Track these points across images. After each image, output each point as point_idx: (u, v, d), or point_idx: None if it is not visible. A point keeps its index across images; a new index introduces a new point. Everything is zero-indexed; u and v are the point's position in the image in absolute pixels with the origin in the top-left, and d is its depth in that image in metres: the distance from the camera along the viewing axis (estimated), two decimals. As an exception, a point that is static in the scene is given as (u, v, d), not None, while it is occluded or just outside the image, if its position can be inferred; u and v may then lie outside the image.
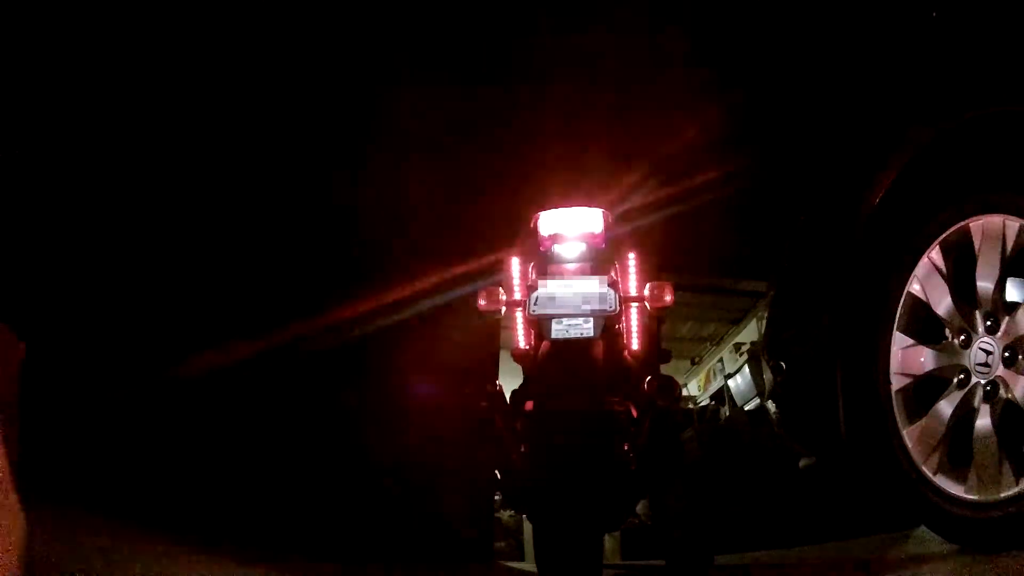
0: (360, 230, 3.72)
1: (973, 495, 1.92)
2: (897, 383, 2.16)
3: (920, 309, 2.14)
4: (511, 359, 3.07)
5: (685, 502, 3.44)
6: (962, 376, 2.00)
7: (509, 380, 3.07)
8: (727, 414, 8.36)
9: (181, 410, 3.05)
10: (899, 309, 2.18)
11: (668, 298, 2.70)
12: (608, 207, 2.75)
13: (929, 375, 2.10)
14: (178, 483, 2.87)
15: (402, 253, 3.85)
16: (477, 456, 3.01)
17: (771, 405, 2.76)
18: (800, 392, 2.60)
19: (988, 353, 1.94)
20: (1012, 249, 1.91)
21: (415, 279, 3.69)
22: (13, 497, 1.07)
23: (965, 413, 1.97)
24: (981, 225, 1.98)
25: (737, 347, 9.17)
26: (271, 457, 3.29)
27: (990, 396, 1.91)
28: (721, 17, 4.09)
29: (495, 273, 2.93)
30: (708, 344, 10.21)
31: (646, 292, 2.72)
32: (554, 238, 2.68)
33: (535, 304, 2.54)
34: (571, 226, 2.68)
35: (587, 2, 4.11)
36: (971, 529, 1.93)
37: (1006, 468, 1.84)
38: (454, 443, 3.44)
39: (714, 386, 10.06)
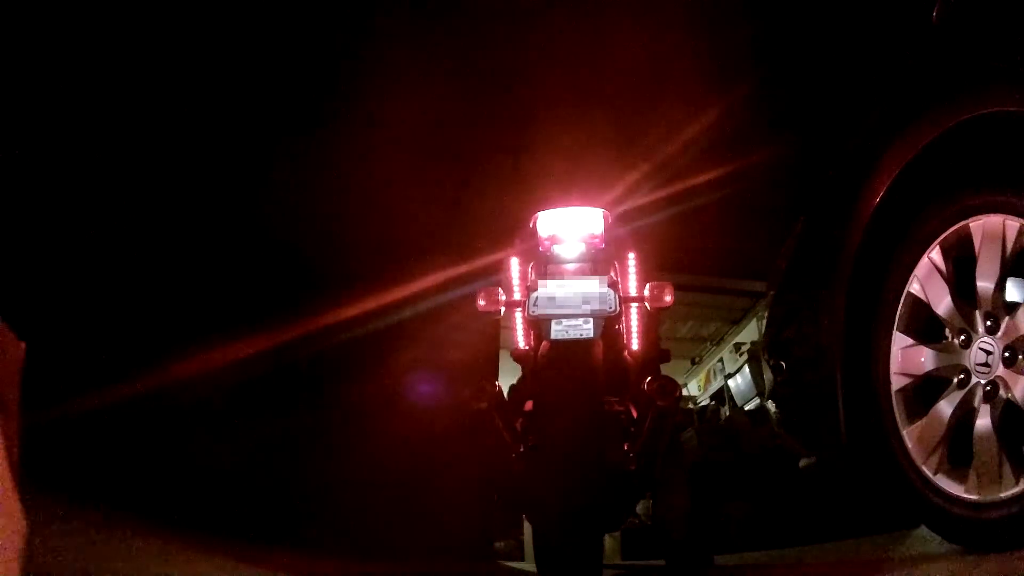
0: (360, 231, 3.72)
1: (973, 495, 1.92)
2: (897, 383, 2.16)
3: (920, 309, 2.14)
4: (511, 359, 3.07)
5: (685, 502, 3.44)
6: (962, 376, 2.00)
7: (509, 380, 3.07)
8: (727, 414, 8.36)
9: (181, 409, 3.05)
10: (899, 309, 2.18)
11: (668, 298, 2.70)
12: (608, 207, 2.75)
13: (929, 375, 2.09)
14: (178, 482, 2.87)
15: (402, 254, 3.85)
16: (477, 456, 3.02)
17: (771, 405, 2.76)
18: (800, 392, 2.60)
19: (988, 353, 1.93)
20: (1012, 249, 1.90)
21: (415, 280, 3.69)
22: (13, 497, 1.07)
23: (965, 413, 1.97)
24: (981, 225, 1.98)
25: (737, 347, 9.18)
26: (271, 456, 3.29)
27: (990, 396, 1.91)
28: (721, 17, 4.09)
29: (495, 273, 2.93)
30: (708, 344, 10.22)
31: (646, 292, 2.71)
32: (553, 238, 2.68)
33: (535, 305, 2.53)
34: (571, 226, 2.67)
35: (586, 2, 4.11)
36: (971, 529, 1.93)
37: (1006, 468, 1.84)
38: (454, 443, 3.44)
39: (714, 386, 10.07)
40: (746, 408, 8.10)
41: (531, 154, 3.98)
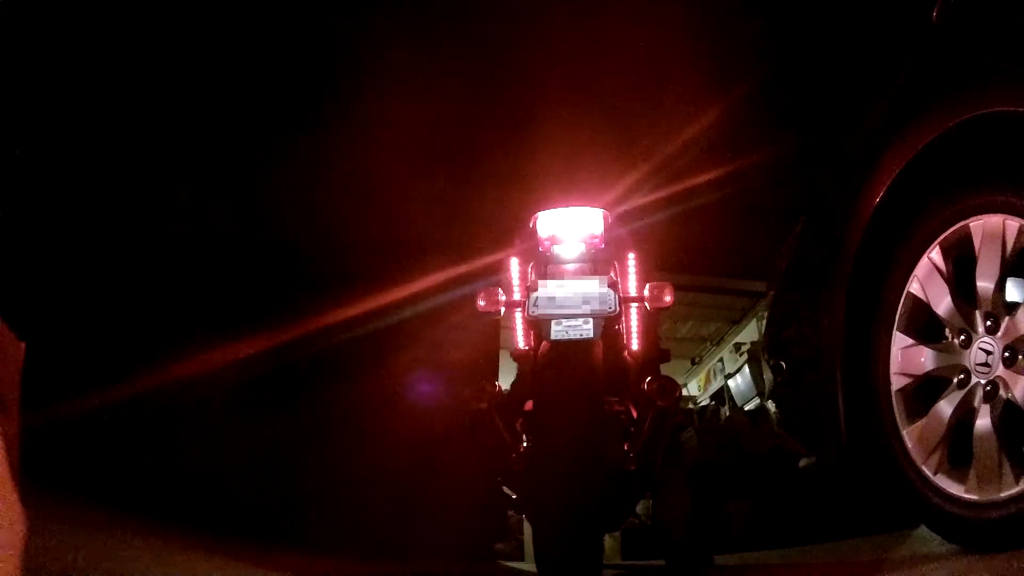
0: (360, 231, 3.72)
1: (973, 495, 1.92)
2: (897, 383, 2.16)
3: (920, 309, 2.14)
4: (511, 359, 3.07)
5: (685, 502, 3.44)
6: (962, 376, 2.00)
7: (509, 380, 3.07)
8: (727, 414, 8.36)
9: (181, 409, 3.05)
10: (899, 309, 2.18)
11: (668, 298, 2.70)
12: (608, 207, 2.75)
13: (929, 375, 2.09)
14: (178, 482, 2.87)
15: (402, 254, 3.85)
16: (477, 456, 3.02)
17: (771, 405, 2.76)
18: (800, 392, 2.60)
19: (988, 353, 1.93)
20: (1012, 249, 1.90)
21: (415, 280, 3.69)
22: (13, 497, 1.07)
23: (965, 413, 1.96)
24: (981, 225, 1.98)
25: (737, 347, 9.19)
26: (271, 456, 3.29)
27: (990, 396, 1.91)
28: (720, 16, 4.09)
29: (495, 273, 2.93)
30: (708, 344, 10.22)
31: (646, 292, 2.71)
32: (553, 239, 2.67)
33: (534, 305, 2.53)
34: (570, 226, 2.67)
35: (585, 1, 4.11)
36: (971, 529, 1.93)
37: (1006, 468, 1.84)
38: (454, 443, 3.44)
39: (714, 386, 10.07)
40: (746, 408, 8.10)
41: (531, 154, 3.98)
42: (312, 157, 3.70)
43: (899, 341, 2.17)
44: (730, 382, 9.17)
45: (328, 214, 3.69)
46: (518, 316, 2.85)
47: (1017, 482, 1.81)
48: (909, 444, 2.10)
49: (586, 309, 2.52)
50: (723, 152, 4.59)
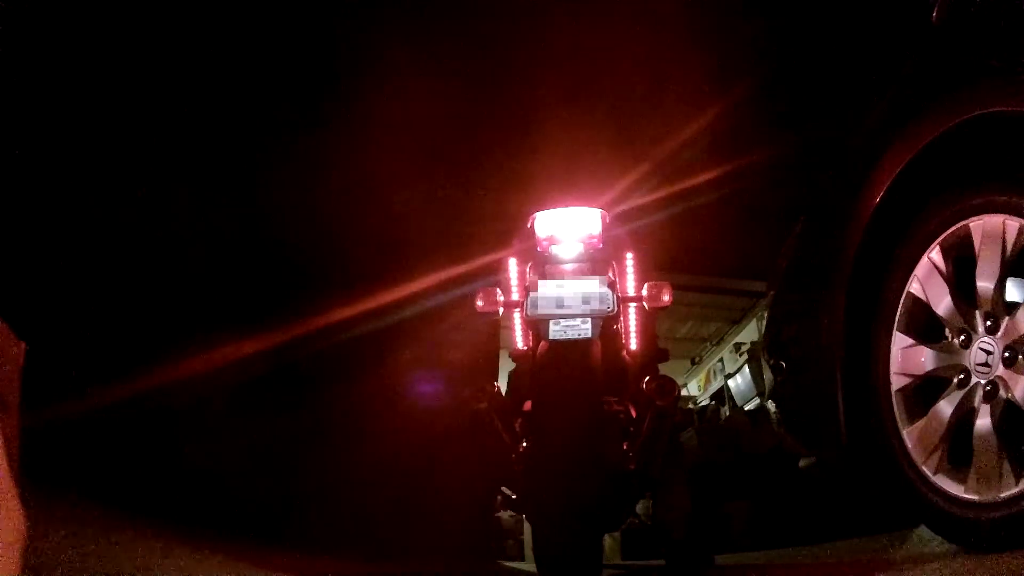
0: (358, 232, 3.72)
1: (973, 495, 1.92)
2: (897, 383, 2.16)
3: (920, 309, 2.14)
4: (510, 359, 3.08)
5: (685, 502, 3.45)
6: (962, 376, 2.00)
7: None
8: (727, 414, 8.36)
9: (180, 409, 3.05)
10: (899, 309, 2.18)
11: (666, 298, 2.70)
12: (606, 207, 2.75)
13: (929, 375, 2.09)
14: (178, 482, 2.87)
15: (402, 254, 3.85)
16: (477, 456, 3.02)
17: (771, 405, 2.76)
18: (800, 392, 2.60)
19: (988, 353, 1.93)
20: (1012, 249, 1.90)
21: (415, 280, 3.69)
22: (13, 497, 1.07)
23: (965, 413, 1.97)
24: (981, 225, 1.98)
25: (737, 347, 9.19)
26: (271, 456, 3.29)
27: (990, 396, 1.91)
28: (718, 16, 4.09)
29: (494, 273, 2.93)
30: (708, 344, 10.22)
31: (644, 292, 2.71)
32: (551, 239, 2.67)
33: (533, 305, 2.53)
34: (568, 226, 2.67)
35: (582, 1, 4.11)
36: (971, 529, 1.93)
37: (1006, 468, 1.84)
38: (454, 442, 3.44)
39: (714, 386, 10.08)
40: (746, 408, 8.11)
41: (529, 154, 3.97)
42: (310, 157, 3.70)
43: (899, 341, 2.17)
44: (730, 382, 9.17)
45: (327, 214, 3.69)
46: (516, 316, 2.85)
47: (1017, 482, 1.81)
48: (909, 444, 2.10)
49: (584, 309, 2.52)
50: (722, 152, 4.59)
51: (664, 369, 3.22)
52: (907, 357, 2.15)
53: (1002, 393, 1.88)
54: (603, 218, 2.69)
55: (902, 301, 2.17)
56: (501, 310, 2.75)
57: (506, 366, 3.42)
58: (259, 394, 3.34)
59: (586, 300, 2.52)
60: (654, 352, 3.20)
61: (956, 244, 2.06)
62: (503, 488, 2.92)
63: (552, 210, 2.69)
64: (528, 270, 2.75)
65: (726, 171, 4.54)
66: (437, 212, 4.03)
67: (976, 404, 1.94)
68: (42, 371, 1.42)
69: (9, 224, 2.65)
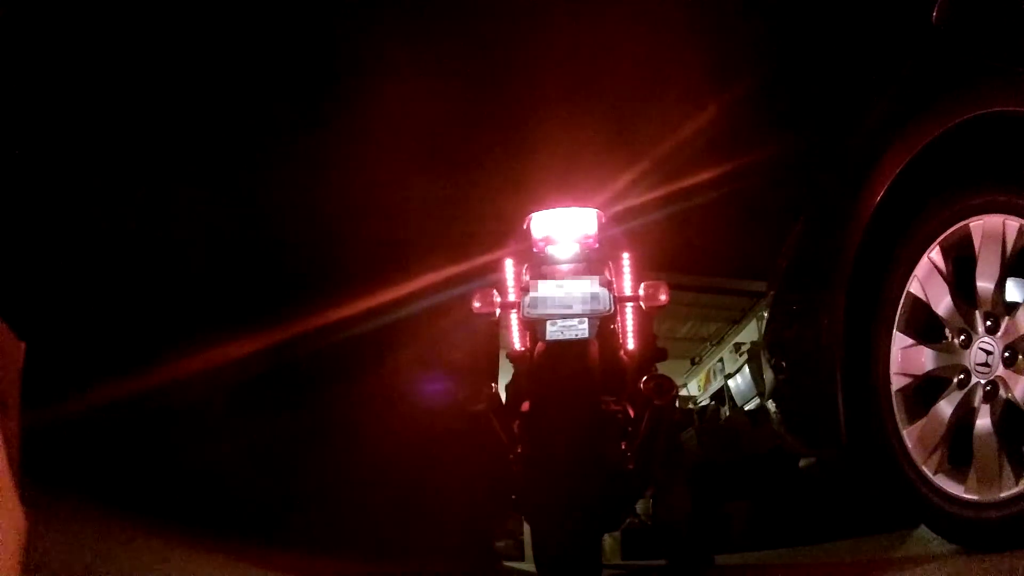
0: (356, 232, 3.71)
1: (973, 495, 1.92)
2: (897, 383, 2.16)
3: (920, 309, 2.14)
4: (508, 359, 3.07)
5: (685, 502, 3.45)
6: (962, 376, 2.00)
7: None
8: (727, 414, 8.36)
9: (180, 409, 3.05)
10: (899, 309, 2.18)
11: (663, 297, 2.70)
12: (601, 207, 2.75)
13: (929, 375, 2.09)
14: (178, 482, 2.87)
15: (401, 255, 3.85)
16: (476, 456, 3.02)
17: (771, 405, 2.76)
18: (800, 392, 2.60)
19: (988, 353, 1.93)
20: (1012, 249, 1.90)
21: (415, 281, 3.69)
22: (13, 497, 1.07)
23: (965, 413, 1.97)
24: (981, 225, 1.98)
25: (737, 347, 9.20)
26: (271, 456, 3.29)
27: (990, 396, 1.91)
28: (715, 15, 4.09)
29: (491, 274, 2.92)
30: (708, 344, 10.23)
31: (640, 291, 2.71)
32: (547, 239, 2.67)
33: (529, 306, 2.53)
34: (564, 227, 2.67)
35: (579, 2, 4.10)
36: (971, 529, 1.93)
37: (1006, 468, 1.84)
38: (454, 442, 3.44)
39: (714, 386, 10.08)
40: (746, 408, 8.11)
41: (524, 154, 3.97)
42: (309, 157, 3.70)
43: (899, 341, 2.17)
44: (730, 382, 9.17)
45: (325, 214, 3.69)
46: (513, 317, 2.85)
47: (1017, 482, 1.81)
48: (909, 444, 2.10)
49: (581, 309, 2.52)
50: (720, 152, 4.59)
51: (663, 368, 3.22)
52: (907, 357, 2.15)
53: (1002, 393, 1.89)
54: (599, 218, 2.69)
55: (902, 301, 2.17)
56: (498, 311, 2.75)
57: (507, 367, 3.42)
58: (259, 394, 3.34)
59: (582, 300, 2.52)
60: (652, 351, 3.20)
61: (956, 244, 2.06)
62: (502, 490, 2.92)
63: (548, 210, 2.69)
64: (524, 271, 2.75)
65: (725, 171, 4.54)
66: (434, 212, 4.03)
67: (976, 404, 1.94)
68: (42, 371, 1.42)
69: (9, 224, 2.65)
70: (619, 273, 2.78)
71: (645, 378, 2.72)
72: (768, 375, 2.73)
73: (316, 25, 3.82)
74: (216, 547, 2.50)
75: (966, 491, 1.94)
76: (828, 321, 2.35)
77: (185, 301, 3.23)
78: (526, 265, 2.75)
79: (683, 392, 10.71)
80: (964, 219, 2.03)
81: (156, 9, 3.28)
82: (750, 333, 8.80)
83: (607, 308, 2.53)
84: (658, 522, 3.59)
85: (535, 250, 2.70)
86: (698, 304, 8.76)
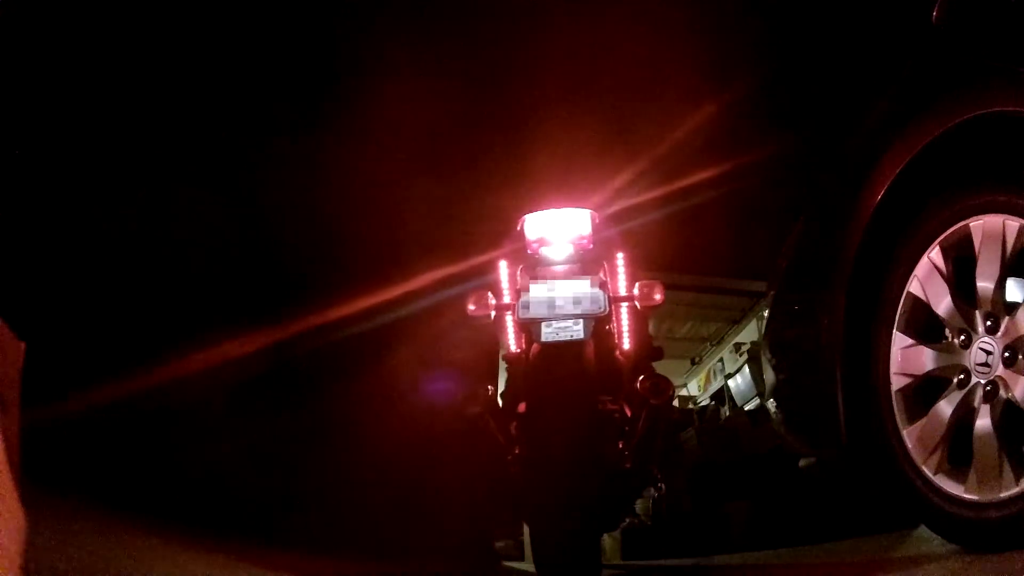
0: (354, 233, 3.71)
1: (973, 495, 1.92)
2: (897, 383, 2.16)
3: (920, 309, 2.14)
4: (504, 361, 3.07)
5: (685, 502, 3.45)
6: (962, 376, 2.00)
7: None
8: (727, 414, 8.36)
9: (180, 409, 3.05)
10: (899, 309, 2.18)
11: (658, 297, 2.70)
12: (596, 208, 2.74)
13: (929, 375, 2.09)
14: (178, 482, 2.87)
15: (400, 255, 3.85)
16: (475, 457, 3.02)
17: (771, 405, 2.75)
18: (800, 392, 2.60)
19: (988, 353, 1.93)
20: (1012, 249, 1.90)
21: (414, 281, 3.69)
22: (13, 497, 1.07)
23: (965, 413, 1.97)
24: (981, 225, 1.98)
25: (737, 347, 9.19)
26: (271, 456, 3.29)
27: (990, 396, 1.91)
28: (713, 15, 4.09)
29: (485, 276, 2.92)
30: (708, 344, 10.22)
31: (635, 291, 2.71)
32: (542, 240, 2.67)
33: (524, 307, 2.53)
34: (559, 228, 2.67)
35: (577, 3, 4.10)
36: (971, 529, 1.93)
37: (1006, 468, 1.84)
38: (454, 442, 3.44)
39: (714, 386, 10.07)
40: (746, 408, 8.10)
41: (519, 155, 3.97)
42: (307, 157, 3.70)
43: (899, 341, 2.17)
44: (730, 382, 9.17)
45: (322, 214, 3.69)
46: (509, 319, 2.84)
47: (1017, 482, 1.81)
48: (909, 444, 2.10)
49: (576, 310, 2.51)
50: (718, 151, 4.59)
51: (662, 368, 3.22)
52: (907, 357, 2.15)
53: (1002, 393, 1.89)
54: (593, 219, 2.69)
55: (902, 301, 2.17)
56: (493, 313, 2.74)
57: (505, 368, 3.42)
58: (259, 394, 3.34)
59: (577, 301, 2.52)
60: (648, 351, 3.19)
61: (956, 244, 2.06)
62: (500, 491, 2.92)
63: (542, 211, 2.69)
64: (519, 272, 2.74)
65: (724, 170, 4.54)
66: (431, 212, 4.03)
67: (976, 404, 1.94)
68: (42, 371, 1.42)
69: (9, 224, 2.65)
70: (614, 273, 2.78)
71: (641, 378, 2.72)
72: (768, 375, 2.73)
73: (315, 25, 3.82)
74: (216, 547, 2.50)
75: (966, 491, 1.94)
76: (828, 321, 2.35)
77: (185, 301, 3.23)
78: (521, 266, 2.75)
79: (683, 392, 10.71)
80: (964, 219, 2.03)
81: (156, 9, 3.28)
82: (750, 333, 8.80)
83: (602, 309, 2.53)
84: (658, 522, 3.59)
85: (529, 251, 2.69)
86: (698, 304, 8.75)
